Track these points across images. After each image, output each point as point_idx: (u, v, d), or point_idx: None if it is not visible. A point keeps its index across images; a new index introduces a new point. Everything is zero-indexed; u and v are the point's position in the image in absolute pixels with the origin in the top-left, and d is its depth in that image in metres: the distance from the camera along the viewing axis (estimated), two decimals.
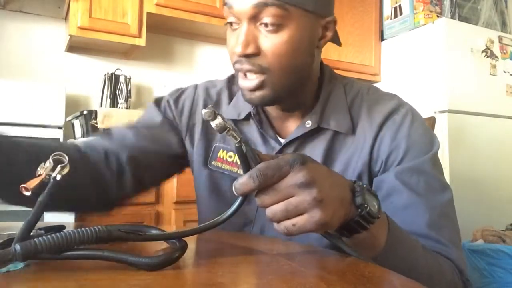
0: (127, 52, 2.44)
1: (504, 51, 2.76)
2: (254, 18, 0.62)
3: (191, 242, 0.47)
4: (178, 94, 0.84)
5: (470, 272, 1.83)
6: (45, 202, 0.39)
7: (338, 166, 0.70)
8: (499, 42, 2.75)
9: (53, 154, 0.40)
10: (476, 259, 1.82)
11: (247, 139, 0.74)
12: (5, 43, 2.21)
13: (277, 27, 0.62)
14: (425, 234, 0.61)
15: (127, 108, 2.27)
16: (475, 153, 2.48)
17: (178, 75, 2.63)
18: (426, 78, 2.59)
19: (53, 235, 0.36)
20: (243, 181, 0.43)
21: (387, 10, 2.97)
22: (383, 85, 2.83)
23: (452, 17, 2.83)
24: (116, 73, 2.31)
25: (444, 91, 2.47)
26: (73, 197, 0.67)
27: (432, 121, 1.10)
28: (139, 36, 2.20)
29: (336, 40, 0.75)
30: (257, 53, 0.63)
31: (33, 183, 0.39)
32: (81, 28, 2.06)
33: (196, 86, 0.84)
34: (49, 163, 0.40)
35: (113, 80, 2.29)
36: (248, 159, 0.45)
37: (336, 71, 0.80)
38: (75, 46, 2.31)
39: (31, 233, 0.39)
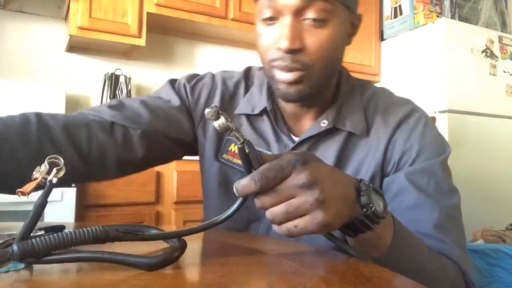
0: (127, 52, 2.44)
1: (504, 51, 2.76)
2: (299, 12, 0.61)
3: (191, 241, 0.47)
4: (196, 81, 0.81)
5: None
6: (42, 205, 0.39)
7: (351, 168, 0.70)
8: (499, 42, 2.75)
9: (48, 157, 0.40)
10: (476, 259, 1.82)
11: (261, 134, 0.74)
12: (5, 43, 2.21)
13: (322, 22, 0.61)
14: (431, 234, 0.61)
15: None
16: (475, 153, 2.48)
17: (178, 75, 2.62)
18: (426, 78, 2.59)
19: (51, 235, 0.36)
20: (245, 183, 0.43)
21: (387, 10, 2.97)
22: (383, 85, 2.81)
23: (452, 17, 2.83)
24: (116, 73, 2.31)
25: (444, 91, 2.47)
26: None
27: (432, 121, 1.10)
28: (139, 36, 2.20)
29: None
30: (302, 48, 0.62)
31: (29, 187, 0.39)
32: (81, 28, 2.06)
33: (213, 76, 0.82)
34: (44, 167, 0.39)
35: (113, 80, 2.29)
36: (250, 160, 0.44)
37: None
38: (75, 46, 2.31)
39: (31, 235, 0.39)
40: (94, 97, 2.37)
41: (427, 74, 2.59)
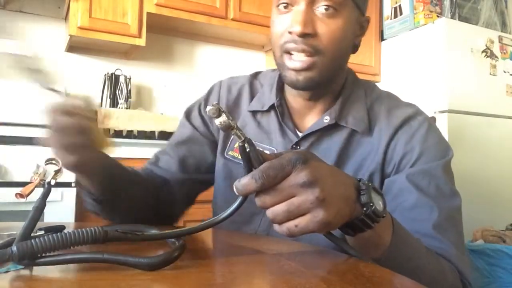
0: (127, 52, 2.44)
1: (504, 51, 2.76)
2: (313, 1, 0.65)
3: (191, 241, 0.47)
4: (206, 97, 0.87)
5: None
6: (41, 207, 0.39)
7: (352, 165, 0.71)
8: (499, 42, 2.75)
9: (47, 159, 0.40)
10: (476, 259, 1.82)
11: (266, 129, 0.78)
12: (5, 43, 2.21)
13: (334, 12, 0.65)
14: (430, 234, 0.62)
15: (127, 108, 2.27)
16: (475, 153, 2.48)
17: (178, 75, 2.63)
18: (426, 78, 2.59)
19: (50, 236, 0.36)
20: (245, 182, 0.43)
21: (387, 10, 2.97)
22: (383, 85, 2.83)
23: (452, 17, 2.83)
24: (116, 73, 2.31)
25: (444, 91, 2.47)
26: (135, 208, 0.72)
27: (432, 121, 1.10)
28: (139, 36, 2.20)
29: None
30: (314, 34, 0.65)
31: (27, 189, 0.39)
32: (81, 28, 2.06)
33: (220, 83, 0.87)
34: (42, 169, 0.40)
35: (113, 80, 2.29)
36: (251, 159, 0.44)
37: None
38: (75, 46, 2.31)
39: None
40: (94, 97, 2.36)
41: (427, 74, 2.59)
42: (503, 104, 2.68)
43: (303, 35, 0.64)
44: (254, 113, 0.79)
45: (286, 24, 0.66)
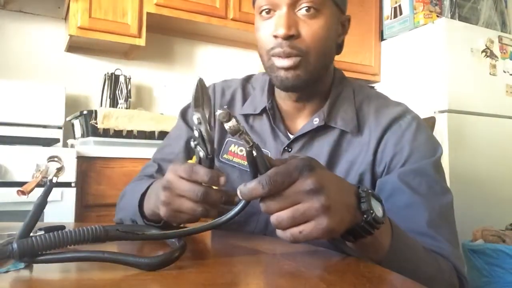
0: (127, 52, 2.44)
1: (504, 51, 2.76)
2: (294, 4, 0.67)
3: (191, 242, 0.47)
4: None
5: (469, 272, 1.83)
6: (42, 204, 0.39)
7: (343, 165, 0.72)
8: (499, 42, 2.75)
9: (49, 157, 0.40)
10: (476, 258, 1.82)
11: (258, 132, 0.78)
12: (5, 43, 2.21)
13: (315, 12, 0.67)
14: (424, 232, 0.63)
15: (127, 108, 2.26)
16: (475, 153, 2.48)
17: (178, 75, 2.63)
18: (426, 78, 2.59)
19: (50, 234, 0.36)
20: (252, 186, 0.43)
21: (387, 10, 2.97)
22: (383, 85, 2.83)
23: (452, 17, 2.83)
24: (116, 73, 2.31)
25: (444, 91, 2.47)
26: None
27: (432, 121, 1.10)
28: (139, 36, 2.20)
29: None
30: (298, 35, 0.67)
31: (29, 186, 0.39)
32: (81, 28, 2.06)
33: (214, 86, 0.87)
34: (45, 166, 0.40)
35: (113, 80, 2.29)
36: (257, 164, 0.44)
37: None
38: (75, 46, 2.31)
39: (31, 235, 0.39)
40: (94, 97, 2.36)
41: (427, 74, 2.59)
42: (503, 104, 2.68)
43: (287, 37, 0.66)
44: (246, 116, 0.80)
45: (270, 29, 0.68)
